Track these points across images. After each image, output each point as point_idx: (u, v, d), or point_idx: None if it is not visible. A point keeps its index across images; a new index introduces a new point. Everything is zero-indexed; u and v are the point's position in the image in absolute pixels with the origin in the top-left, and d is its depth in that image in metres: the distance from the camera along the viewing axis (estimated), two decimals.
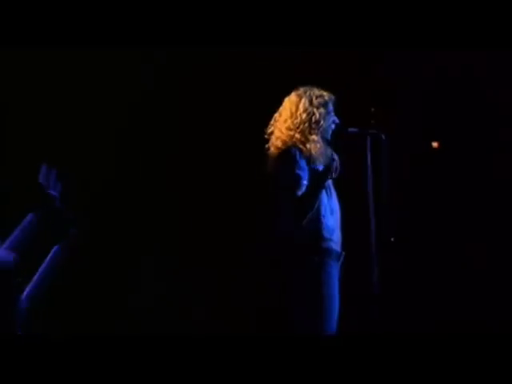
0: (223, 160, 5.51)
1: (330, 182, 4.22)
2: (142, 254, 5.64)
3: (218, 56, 5.33)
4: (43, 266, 3.97)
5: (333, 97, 4.28)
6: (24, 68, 5.32)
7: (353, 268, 4.40)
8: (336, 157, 4.11)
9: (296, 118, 4.20)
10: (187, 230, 5.60)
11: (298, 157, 4.11)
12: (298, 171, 4.08)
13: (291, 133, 4.19)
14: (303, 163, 4.12)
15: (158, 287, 5.64)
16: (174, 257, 5.62)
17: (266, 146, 4.26)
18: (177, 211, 5.63)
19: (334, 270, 4.14)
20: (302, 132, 4.18)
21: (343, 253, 4.21)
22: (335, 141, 4.27)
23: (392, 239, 4.64)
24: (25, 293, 3.88)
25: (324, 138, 4.23)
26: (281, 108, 4.30)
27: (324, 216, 4.12)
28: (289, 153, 4.12)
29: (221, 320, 5.45)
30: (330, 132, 4.26)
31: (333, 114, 4.26)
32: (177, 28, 4.85)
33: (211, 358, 3.98)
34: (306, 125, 4.18)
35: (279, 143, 4.20)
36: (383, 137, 4.26)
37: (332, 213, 4.18)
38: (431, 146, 4.70)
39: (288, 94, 4.32)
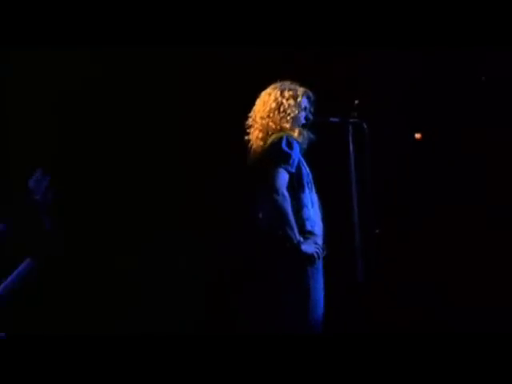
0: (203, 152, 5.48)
1: (310, 175, 4.23)
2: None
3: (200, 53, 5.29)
4: (12, 275, 3.90)
5: (310, 93, 4.32)
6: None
7: (337, 260, 4.37)
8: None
9: (267, 106, 4.28)
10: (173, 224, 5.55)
11: (294, 144, 4.15)
12: (287, 164, 4.10)
13: (264, 121, 4.27)
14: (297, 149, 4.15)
15: (142, 287, 5.59)
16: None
17: (246, 138, 4.32)
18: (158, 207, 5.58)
19: (320, 264, 4.13)
20: (274, 121, 4.24)
21: (324, 246, 4.16)
22: (317, 130, 4.28)
23: (377, 231, 4.62)
24: None
25: (297, 126, 4.25)
26: (257, 100, 4.36)
27: (307, 207, 4.14)
28: (287, 140, 4.14)
29: (206, 318, 5.41)
30: (301, 123, 4.28)
31: (307, 109, 4.30)
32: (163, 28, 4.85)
33: (196, 357, 3.97)
34: (276, 113, 4.25)
35: (259, 134, 4.26)
36: (365, 125, 4.25)
37: (313, 205, 4.19)
38: (414, 137, 4.68)
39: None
